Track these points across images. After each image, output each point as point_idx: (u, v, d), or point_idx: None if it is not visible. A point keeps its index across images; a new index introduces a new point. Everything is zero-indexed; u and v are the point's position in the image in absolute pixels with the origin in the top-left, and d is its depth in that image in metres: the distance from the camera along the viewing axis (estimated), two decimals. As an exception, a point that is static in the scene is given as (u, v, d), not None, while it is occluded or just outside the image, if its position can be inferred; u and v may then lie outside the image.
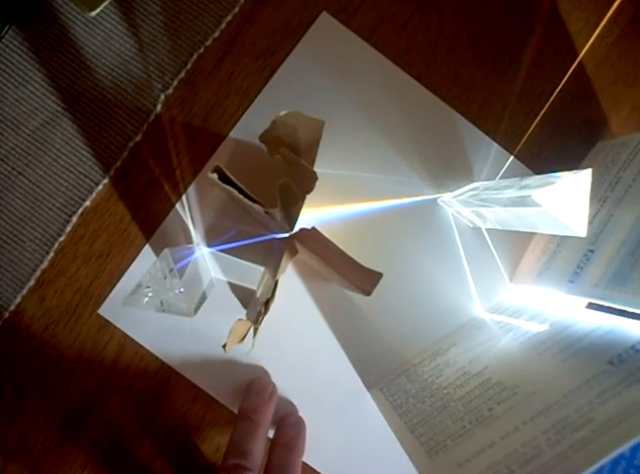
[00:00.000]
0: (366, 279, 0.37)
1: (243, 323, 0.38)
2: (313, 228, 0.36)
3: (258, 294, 0.46)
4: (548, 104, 0.50)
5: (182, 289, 0.41)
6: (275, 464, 0.41)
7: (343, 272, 0.37)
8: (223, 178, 0.37)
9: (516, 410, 0.35)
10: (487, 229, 0.49)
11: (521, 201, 0.36)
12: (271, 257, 0.47)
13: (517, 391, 0.36)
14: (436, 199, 0.49)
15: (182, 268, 0.42)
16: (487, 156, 0.49)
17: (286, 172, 0.40)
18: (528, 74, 0.50)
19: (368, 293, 0.37)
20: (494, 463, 0.32)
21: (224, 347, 0.39)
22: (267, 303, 0.37)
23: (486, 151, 0.49)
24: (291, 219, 0.38)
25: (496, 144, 0.49)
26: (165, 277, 0.41)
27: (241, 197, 0.37)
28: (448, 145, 0.49)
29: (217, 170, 0.37)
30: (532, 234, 0.50)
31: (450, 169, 0.49)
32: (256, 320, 0.38)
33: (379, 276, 0.36)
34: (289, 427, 0.46)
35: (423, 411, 0.41)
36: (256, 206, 0.37)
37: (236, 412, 0.48)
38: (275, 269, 0.39)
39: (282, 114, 0.38)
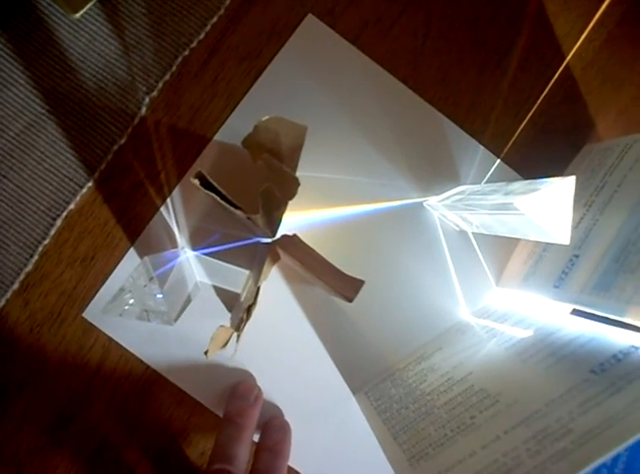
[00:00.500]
0: (348, 287, 0.37)
1: (225, 330, 0.38)
2: (295, 235, 0.36)
3: (242, 298, 0.46)
4: (535, 107, 0.49)
5: (160, 296, 0.41)
6: (260, 468, 0.41)
7: (325, 278, 0.37)
8: (205, 184, 0.37)
9: (497, 418, 0.35)
10: (473, 233, 0.49)
11: (505, 207, 0.36)
12: (255, 260, 0.47)
13: (499, 399, 0.36)
14: (422, 203, 0.49)
15: (164, 273, 0.41)
16: (473, 159, 0.49)
17: (269, 177, 0.39)
18: (515, 77, 0.49)
19: (350, 300, 0.37)
20: (475, 473, 0.32)
21: (206, 353, 0.39)
22: (249, 309, 0.37)
23: (472, 154, 0.49)
24: (274, 225, 0.38)
25: (482, 147, 0.49)
26: (145, 286, 0.41)
27: (223, 202, 0.37)
28: (435, 148, 0.49)
29: (199, 176, 0.37)
30: (519, 238, 0.49)
31: (437, 172, 0.49)
32: (238, 326, 0.38)
33: (361, 283, 0.36)
34: (275, 430, 0.46)
35: (406, 417, 0.40)
36: (238, 212, 0.37)
37: (221, 416, 0.48)
38: (257, 274, 0.39)
39: (265, 119, 0.37)
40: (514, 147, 0.49)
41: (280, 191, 0.37)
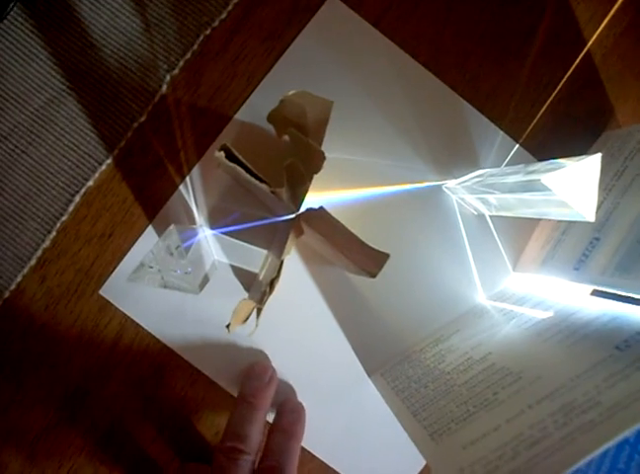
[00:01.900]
0: (372, 261, 0.37)
1: (247, 303, 0.38)
2: (321, 208, 0.36)
3: (260, 277, 0.46)
4: (555, 93, 0.49)
5: (190, 269, 0.41)
6: (273, 449, 0.40)
7: (348, 253, 0.37)
8: (230, 157, 0.37)
9: (521, 394, 0.35)
10: (491, 217, 0.49)
11: (529, 186, 0.36)
12: (274, 240, 0.47)
13: (521, 376, 0.36)
14: (440, 186, 0.49)
15: (186, 248, 0.41)
16: (492, 144, 0.49)
17: (294, 152, 0.39)
18: (536, 63, 0.49)
19: (374, 275, 0.37)
20: (500, 445, 0.32)
21: (228, 327, 0.39)
22: (272, 283, 0.37)
23: (492, 139, 0.49)
24: (298, 200, 0.37)
25: (502, 132, 0.49)
26: (171, 254, 0.40)
27: (248, 176, 0.37)
28: (454, 132, 0.49)
29: (224, 148, 0.36)
30: (536, 222, 0.49)
31: (456, 156, 0.49)
32: (260, 300, 0.38)
33: (385, 257, 0.36)
34: (289, 412, 0.46)
35: (425, 395, 0.40)
36: (262, 186, 0.37)
37: (236, 396, 0.48)
38: (280, 249, 0.39)
39: (291, 93, 0.37)
40: (533, 132, 0.49)
41: (305, 165, 0.37)
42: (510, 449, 0.31)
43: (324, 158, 0.36)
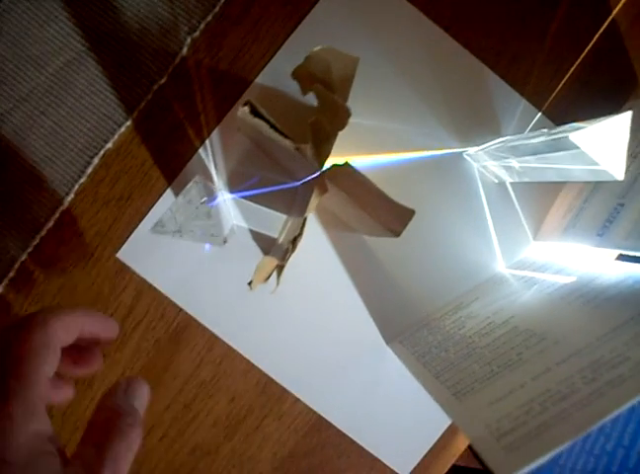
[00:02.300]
0: (397, 218, 0.36)
1: (270, 260, 0.37)
2: (346, 163, 0.35)
3: (280, 241, 0.45)
4: (578, 61, 0.49)
5: (211, 214, 0.40)
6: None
7: (372, 211, 0.37)
8: (254, 113, 0.36)
9: (546, 353, 0.34)
10: (512, 185, 0.49)
11: (557, 145, 0.35)
12: (294, 204, 0.47)
13: (545, 337, 0.36)
14: (461, 154, 0.48)
15: (209, 204, 0.41)
16: (515, 111, 0.49)
17: (318, 109, 0.39)
18: (559, 30, 0.49)
19: (398, 234, 0.37)
20: (527, 401, 0.32)
21: (250, 284, 0.38)
22: (294, 240, 0.37)
23: (514, 107, 0.49)
24: (322, 157, 0.37)
25: (524, 100, 0.49)
26: (197, 207, 0.40)
27: (272, 132, 0.36)
28: (477, 99, 0.49)
29: (249, 103, 0.36)
30: (557, 192, 0.49)
31: (478, 123, 0.49)
32: (282, 257, 0.38)
33: (411, 213, 0.36)
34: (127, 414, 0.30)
35: (447, 359, 0.40)
36: (287, 142, 0.36)
37: (251, 360, 0.48)
38: (302, 208, 0.38)
39: (317, 49, 0.37)
40: (555, 101, 0.49)
41: (329, 122, 0.37)
42: (537, 405, 0.31)
43: (349, 114, 0.36)
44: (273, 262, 0.38)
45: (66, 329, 0.29)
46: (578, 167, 0.36)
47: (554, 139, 0.35)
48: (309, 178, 0.39)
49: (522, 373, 0.34)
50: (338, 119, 0.36)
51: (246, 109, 0.36)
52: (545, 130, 0.39)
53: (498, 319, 0.40)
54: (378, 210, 0.36)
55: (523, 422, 0.30)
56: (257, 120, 0.36)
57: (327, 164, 0.38)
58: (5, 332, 0.28)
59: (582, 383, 0.31)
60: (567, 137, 0.33)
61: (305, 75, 0.39)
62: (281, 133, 0.36)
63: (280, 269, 0.39)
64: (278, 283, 0.39)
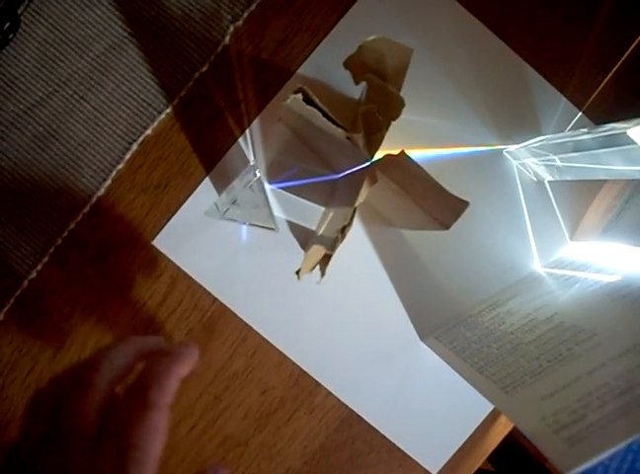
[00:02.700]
0: (449, 210, 0.36)
1: (319, 249, 0.37)
2: (402, 152, 0.35)
3: (319, 233, 0.45)
4: (620, 61, 0.49)
5: (265, 200, 0.40)
6: (147, 368, 0.31)
7: (424, 202, 0.36)
8: (307, 101, 0.36)
9: (599, 349, 0.34)
10: (550, 185, 0.48)
11: (610, 141, 0.35)
12: (333, 196, 0.47)
13: (596, 333, 0.35)
14: (501, 151, 0.48)
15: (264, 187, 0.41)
16: (555, 110, 0.49)
17: (367, 100, 0.39)
18: (603, 30, 0.49)
19: (448, 226, 0.36)
20: (584, 395, 0.31)
21: (298, 273, 0.38)
22: (343, 230, 0.36)
23: (554, 106, 0.49)
24: (373, 147, 0.37)
25: (565, 99, 0.49)
26: (252, 191, 0.40)
27: (324, 119, 0.36)
28: (517, 97, 0.49)
29: (302, 90, 0.36)
30: (595, 191, 0.49)
31: (518, 121, 0.49)
32: (332, 247, 0.37)
33: (465, 205, 0.36)
34: (181, 346, 0.34)
35: (489, 354, 0.40)
36: (339, 130, 0.36)
37: (284, 352, 0.48)
38: (344, 198, 0.38)
39: (370, 39, 0.37)
40: (596, 101, 0.49)
41: (382, 112, 0.36)
42: (596, 398, 0.31)
43: (403, 105, 0.36)
44: (321, 251, 0.37)
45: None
46: (630, 165, 0.35)
47: (608, 135, 0.35)
48: (358, 168, 0.39)
49: (576, 368, 0.34)
50: (391, 109, 0.36)
51: (299, 96, 0.35)
52: (585, 130, 0.39)
53: (541, 316, 0.40)
54: (430, 202, 0.36)
55: (583, 415, 0.30)
56: (309, 108, 0.36)
57: (376, 155, 0.38)
58: (120, 407, 0.30)
59: (642, 378, 0.30)
60: (625, 133, 0.33)
61: (358, 64, 0.39)
62: (334, 122, 0.36)
63: (326, 259, 0.38)
64: (323, 274, 0.39)
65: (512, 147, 0.47)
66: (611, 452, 0.28)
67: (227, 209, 0.40)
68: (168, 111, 0.47)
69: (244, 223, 0.42)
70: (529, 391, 0.34)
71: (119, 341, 0.33)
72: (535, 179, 0.48)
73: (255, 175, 0.39)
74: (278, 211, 0.47)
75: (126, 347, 0.32)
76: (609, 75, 0.49)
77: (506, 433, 0.50)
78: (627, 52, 0.48)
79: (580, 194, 0.48)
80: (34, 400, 0.31)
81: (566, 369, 0.34)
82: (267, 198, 0.40)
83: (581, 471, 0.28)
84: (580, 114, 0.48)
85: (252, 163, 0.40)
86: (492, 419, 0.48)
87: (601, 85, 0.49)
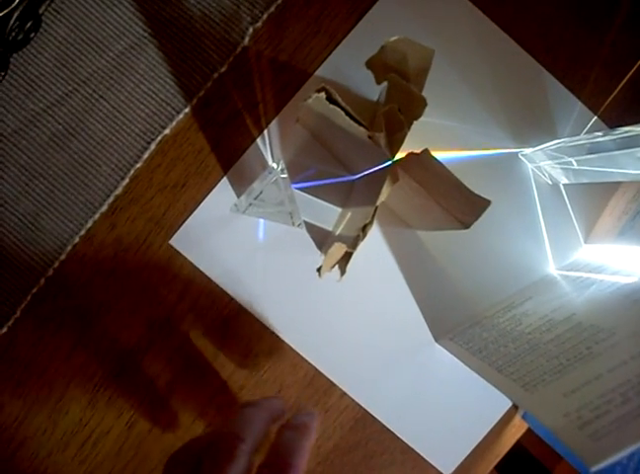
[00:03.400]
0: (470, 208, 0.36)
1: (340, 247, 0.37)
2: (425, 150, 0.35)
3: (337, 233, 0.45)
4: (636, 66, 0.49)
5: (292, 204, 0.41)
6: (280, 443, 0.36)
7: (444, 201, 0.37)
8: (329, 99, 0.36)
9: (618, 347, 0.34)
10: (565, 188, 0.49)
11: (628, 143, 0.35)
12: (350, 198, 0.47)
13: (615, 332, 0.36)
14: (517, 154, 0.49)
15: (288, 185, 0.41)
16: (571, 114, 0.49)
17: (388, 100, 0.39)
18: (619, 34, 0.50)
19: (468, 225, 0.37)
20: (606, 391, 0.31)
21: (319, 270, 0.38)
22: (364, 228, 0.37)
23: (570, 109, 0.49)
24: (395, 146, 0.37)
25: (580, 103, 0.49)
26: (277, 187, 0.40)
27: (347, 118, 0.36)
28: (533, 100, 0.49)
29: (324, 90, 0.36)
30: (610, 195, 0.49)
31: (533, 124, 0.49)
32: (353, 245, 0.38)
33: (486, 203, 0.36)
34: (303, 415, 0.41)
35: (507, 353, 0.40)
36: (361, 129, 0.36)
37: (299, 352, 0.49)
38: (376, 194, 0.38)
39: (392, 39, 0.37)
40: (611, 105, 0.49)
41: (403, 112, 0.37)
42: (618, 395, 0.31)
43: (425, 104, 0.36)
44: (342, 249, 0.38)
45: None
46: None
47: (625, 137, 0.35)
48: (379, 167, 0.39)
49: (596, 366, 0.34)
50: (413, 109, 0.37)
51: (322, 95, 0.36)
52: (600, 133, 0.39)
53: (558, 316, 0.40)
54: (451, 200, 0.36)
55: (606, 411, 0.30)
56: (332, 107, 0.36)
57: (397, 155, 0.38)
58: None
59: (664, 375, 0.30)
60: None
61: (379, 65, 0.39)
62: (356, 121, 0.36)
63: (347, 257, 0.39)
64: (343, 272, 0.39)
65: (527, 150, 0.47)
66: (637, 447, 0.28)
67: (249, 205, 0.40)
68: (186, 111, 0.47)
69: (266, 220, 0.42)
70: (551, 388, 0.34)
71: (253, 406, 0.37)
72: (551, 182, 0.48)
73: (282, 171, 0.39)
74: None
75: (263, 414, 0.36)
76: (625, 79, 0.49)
77: (519, 435, 0.50)
78: (642, 58, 0.49)
79: (595, 197, 0.49)
80: (171, 463, 0.34)
81: (586, 367, 0.34)
82: (292, 194, 0.40)
83: (598, 470, 0.28)
84: (595, 118, 0.49)
85: (276, 161, 0.40)
86: (505, 421, 0.49)
87: (617, 90, 0.49)
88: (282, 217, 0.42)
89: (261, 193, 0.40)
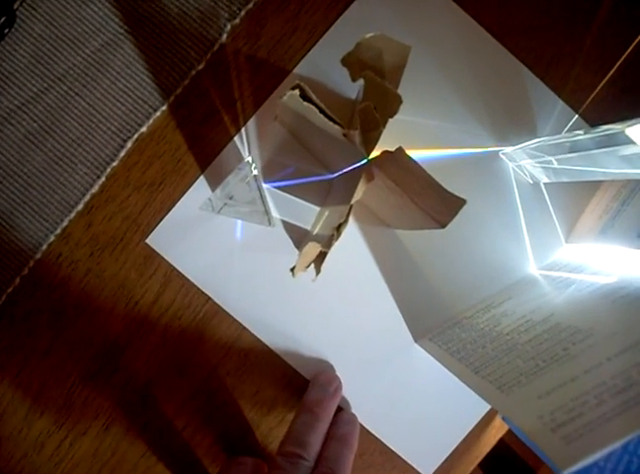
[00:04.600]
0: (446, 208, 0.36)
1: (314, 246, 0.37)
2: (399, 148, 0.35)
3: (314, 233, 0.45)
4: (618, 64, 0.49)
5: (262, 192, 0.40)
6: (327, 456, 0.40)
7: (420, 200, 0.36)
8: (303, 97, 0.36)
9: (595, 348, 0.34)
10: (546, 187, 0.48)
11: (608, 141, 0.35)
12: (328, 196, 0.46)
13: (592, 333, 0.35)
14: (497, 153, 0.48)
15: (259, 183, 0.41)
16: (552, 113, 0.49)
17: (365, 98, 0.38)
18: (600, 33, 0.49)
19: (444, 225, 0.36)
20: (581, 394, 0.31)
21: (292, 270, 0.38)
22: (339, 227, 0.36)
23: (551, 108, 0.49)
24: (370, 144, 0.37)
25: (561, 101, 0.49)
26: (248, 183, 0.40)
27: (321, 116, 0.36)
28: (514, 98, 0.49)
29: (299, 87, 0.35)
30: (591, 194, 0.49)
31: (514, 122, 0.48)
32: (328, 244, 0.37)
33: (461, 203, 0.35)
34: (345, 422, 0.47)
35: (485, 355, 0.40)
36: (336, 127, 0.36)
37: (280, 354, 0.47)
38: (339, 198, 0.38)
39: (368, 36, 0.37)
40: (593, 104, 0.49)
41: (379, 109, 0.36)
42: (593, 397, 0.31)
43: (401, 102, 0.36)
44: (317, 248, 0.37)
45: None
46: (628, 165, 0.35)
47: (606, 135, 0.35)
48: (354, 166, 0.38)
49: (572, 367, 0.33)
50: (388, 106, 0.36)
51: (296, 92, 0.35)
52: (581, 132, 0.39)
53: (536, 317, 0.40)
54: (427, 199, 0.35)
55: (580, 413, 0.30)
56: (306, 104, 0.36)
57: (373, 154, 0.37)
58: None
59: (639, 377, 0.30)
60: (623, 132, 0.33)
61: (355, 62, 0.39)
62: (331, 119, 0.36)
63: (322, 256, 0.38)
64: (318, 272, 0.39)
65: (508, 149, 0.47)
66: (609, 450, 0.27)
67: (222, 204, 0.40)
68: (163, 108, 0.47)
69: (239, 219, 0.41)
70: (526, 390, 0.33)
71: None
72: (531, 181, 0.48)
73: (251, 170, 0.39)
74: (272, 211, 0.46)
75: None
76: (606, 79, 0.49)
77: (499, 437, 0.49)
78: (624, 56, 0.48)
79: (576, 196, 0.48)
80: None
81: (562, 369, 0.33)
82: (263, 194, 0.39)
83: (577, 470, 0.28)
84: (576, 117, 0.48)
85: (248, 158, 0.39)
86: (485, 422, 0.48)
87: (598, 88, 0.49)
88: (257, 217, 0.42)
89: (231, 190, 0.40)
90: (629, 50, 0.49)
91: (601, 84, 0.49)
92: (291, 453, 0.38)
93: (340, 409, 0.46)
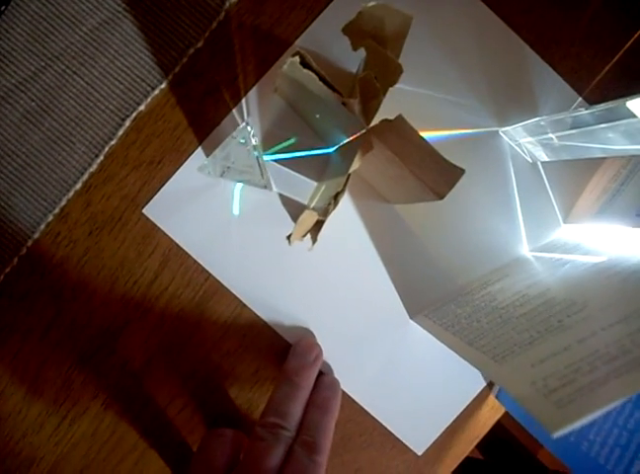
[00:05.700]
0: (444, 178, 0.36)
1: (311, 214, 0.37)
2: (399, 116, 0.35)
3: (311, 207, 0.45)
4: (624, 46, 0.48)
5: (259, 157, 0.40)
6: (308, 424, 0.40)
7: (418, 170, 0.36)
8: (303, 64, 0.36)
9: (590, 320, 0.34)
10: (544, 167, 0.50)
11: (609, 115, 0.35)
12: (325, 171, 0.46)
13: (587, 305, 0.35)
14: (497, 131, 0.48)
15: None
16: (552, 92, 0.49)
17: (366, 67, 0.38)
18: (604, 13, 0.49)
19: (442, 196, 0.36)
20: (574, 361, 0.31)
21: (289, 238, 0.38)
22: (336, 197, 0.36)
23: (552, 87, 0.49)
24: (370, 114, 0.37)
25: (563, 81, 0.49)
26: (247, 147, 0.40)
27: (321, 84, 0.36)
28: (516, 77, 0.49)
29: (299, 54, 0.35)
30: (590, 175, 0.49)
31: (515, 101, 0.48)
32: (325, 213, 0.37)
33: (460, 173, 0.35)
34: (325, 387, 0.46)
35: (479, 328, 0.40)
36: (335, 95, 0.36)
37: (278, 331, 0.47)
38: (348, 162, 0.38)
39: (370, 5, 0.36)
40: (595, 83, 0.49)
41: (380, 79, 0.36)
42: (586, 364, 0.31)
43: (401, 71, 0.36)
44: (313, 216, 0.37)
45: None
46: (629, 140, 0.35)
47: (607, 109, 0.34)
48: (353, 137, 0.38)
49: (566, 337, 0.33)
50: (389, 76, 0.36)
51: (296, 59, 0.35)
52: (582, 109, 0.38)
53: (532, 292, 0.40)
54: (425, 170, 0.35)
55: (572, 379, 0.30)
56: (306, 72, 0.35)
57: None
58: None
59: (632, 345, 0.30)
60: (624, 105, 0.33)
61: (356, 31, 0.39)
62: (330, 87, 0.36)
63: (318, 225, 0.38)
64: (314, 241, 0.39)
65: (508, 127, 0.47)
66: (599, 413, 0.27)
67: (220, 166, 0.40)
68: (162, 86, 0.47)
69: (236, 181, 0.42)
70: (519, 359, 0.33)
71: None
72: (530, 160, 0.48)
73: (249, 132, 0.39)
74: (270, 181, 0.46)
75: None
76: (612, 60, 0.49)
77: (496, 418, 0.49)
78: (629, 38, 0.48)
79: (574, 177, 0.48)
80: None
81: (556, 339, 0.33)
82: (260, 154, 0.39)
83: (566, 444, 0.28)
84: (578, 98, 0.48)
85: (248, 119, 0.39)
86: (479, 400, 0.48)
87: (601, 69, 0.48)
88: (254, 179, 0.42)
89: (230, 152, 0.40)
90: (635, 33, 0.49)
91: (605, 66, 0.49)
92: (271, 424, 0.38)
93: (321, 373, 0.45)
